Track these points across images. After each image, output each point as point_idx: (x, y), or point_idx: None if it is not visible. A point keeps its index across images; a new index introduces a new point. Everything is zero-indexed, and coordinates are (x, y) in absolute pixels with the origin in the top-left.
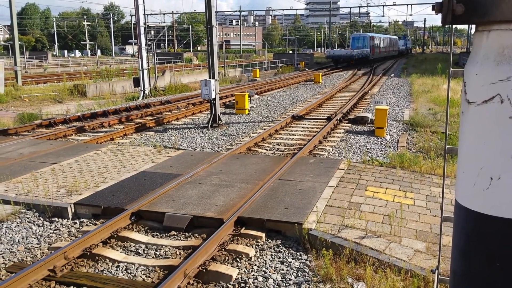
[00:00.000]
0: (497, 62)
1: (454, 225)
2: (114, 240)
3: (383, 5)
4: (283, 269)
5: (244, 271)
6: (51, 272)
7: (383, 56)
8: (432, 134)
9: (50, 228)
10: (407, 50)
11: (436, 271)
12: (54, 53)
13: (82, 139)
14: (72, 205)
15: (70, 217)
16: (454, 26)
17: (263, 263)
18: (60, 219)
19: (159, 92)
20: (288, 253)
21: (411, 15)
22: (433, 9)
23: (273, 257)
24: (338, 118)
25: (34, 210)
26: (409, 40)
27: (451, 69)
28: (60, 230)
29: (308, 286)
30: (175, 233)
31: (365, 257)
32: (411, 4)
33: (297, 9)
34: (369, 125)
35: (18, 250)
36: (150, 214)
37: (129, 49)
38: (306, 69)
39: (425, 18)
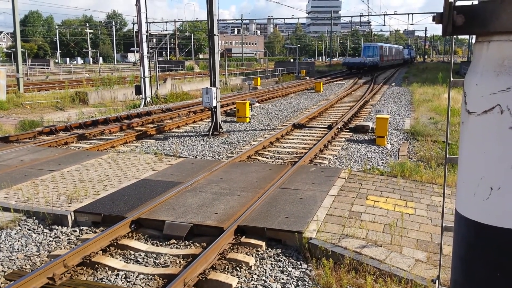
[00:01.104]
0: (497, 73)
1: (454, 234)
2: (114, 248)
3: (384, 14)
4: (283, 278)
5: (244, 280)
6: (50, 280)
7: (390, 64)
8: (433, 143)
9: (49, 236)
10: (411, 59)
11: (437, 281)
12: (56, 61)
13: (83, 146)
14: (72, 213)
15: (70, 224)
16: (454, 36)
17: (263, 272)
18: (60, 227)
19: (161, 100)
20: (288, 262)
21: (412, 24)
22: (433, 19)
23: (273, 266)
24: (339, 127)
25: (34, 217)
26: (412, 49)
27: (452, 78)
28: (59, 238)
29: None
30: (175, 242)
31: (366, 267)
32: (412, 14)
33: (298, 18)
34: (370, 134)
35: (17, 258)
36: (150, 222)
37: (131, 57)
38: (307, 78)
39: (426, 28)
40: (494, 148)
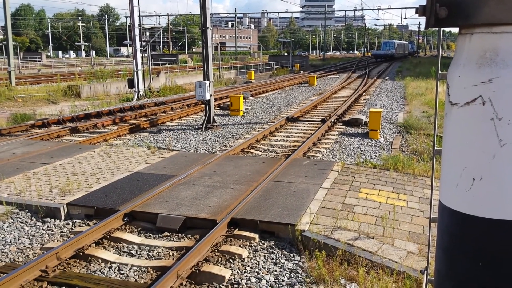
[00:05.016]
0: (479, 65)
1: (438, 225)
2: (107, 240)
3: (378, 9)
4: (276, 270)
5: (237, 272)
6: (43, 272)
7: (400, 56)
8: (426, 137)
9: (42, 229)
10: (413, 52)
11: (425, 272)
12: (49, 54)
13: (75, 139)
14: (65, 206)
15: (63, 217)
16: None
17: (256, 264)
18: (52, 220)
19: (154, 93)
20: (281, 254)
21: (405, 18)
22: (416, 12)
23: (266, 258)
24: (332, 120)
25: (27, 210)
26: (414, 44)
27: (439, 72)
28: (52, 231)
29: (301, 287)
30: (168, 234)
31: (358, 259)
32: (406, 8)
33: (292, 12)
34: (363, 127)
35: (10, 251)
36: (143, 215)
37: (124, 50)
38: (301, 72)
39: (419, 22)
40: (476, 139)
